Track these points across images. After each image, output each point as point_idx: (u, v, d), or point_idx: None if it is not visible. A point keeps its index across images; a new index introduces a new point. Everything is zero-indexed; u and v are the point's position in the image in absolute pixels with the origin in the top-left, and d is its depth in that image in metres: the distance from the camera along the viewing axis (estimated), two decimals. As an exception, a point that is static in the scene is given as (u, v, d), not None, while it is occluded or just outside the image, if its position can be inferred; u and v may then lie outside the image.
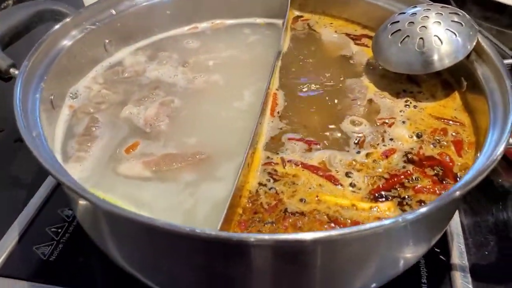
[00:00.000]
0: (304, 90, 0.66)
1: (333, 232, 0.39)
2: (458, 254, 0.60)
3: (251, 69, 0.72)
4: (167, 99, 0.66)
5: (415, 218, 0.40)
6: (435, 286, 0.57)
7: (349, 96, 0.64)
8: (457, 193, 0.42)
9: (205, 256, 0.43)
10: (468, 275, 0.58)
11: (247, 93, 0.67)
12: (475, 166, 0.46)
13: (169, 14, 0.77)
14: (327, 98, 0.64)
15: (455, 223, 0.63)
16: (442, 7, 0.64)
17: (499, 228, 0.64)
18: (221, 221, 0.43)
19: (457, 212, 0.65)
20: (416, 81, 0.66)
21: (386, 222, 0.40)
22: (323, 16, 0.81)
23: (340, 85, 0.66)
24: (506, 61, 0.59)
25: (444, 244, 0.61)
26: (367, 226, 0.39)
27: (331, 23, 0.79)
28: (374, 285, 0.50)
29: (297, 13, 0.82)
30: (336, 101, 0.64)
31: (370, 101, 0.63)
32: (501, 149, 0.45)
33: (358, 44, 0.74)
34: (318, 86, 0.66)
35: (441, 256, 0.59)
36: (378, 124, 0.59)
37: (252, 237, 0.38)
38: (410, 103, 0.63)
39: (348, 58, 0.72)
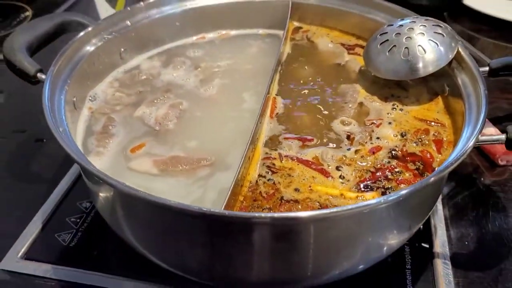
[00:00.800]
0: (301, 94, 0.72)
1: (324, 211, 0.45)
2: (441, 244, 0.66)
3: (254, 76, 0.78)
4: (176, 101, 0.73)
5: (396, 200, 0.47)
6: (418, 272, 0.62)
7: (342, 100, 0.70)
8: (432, 179, 0.48)
9: (212, 235, 0.49)
10: (449, 262, 0.63)
11: (249, 97, 0.74)
12: (449, 159, 0.52)
13: (179, 25, 0.84)
14: (321, 101, 0.71)
15: (439, 217, 0.69)
16: (426, 19, 0.71)
17: (479, 221, 0.70)
18: (224, 204, 0.49)
19: (441, 207, 0.71)
20: (403, 87, 0.72)
21: (371, 202, 0.46)
22: (320, 27, 0.88)
23: (334, 90, 0.73)
24: (482, 69, 0.65)
25: (428, 235, 0.67)
26: (354, 205, 0.45)
27: (327, 34, 0.86)
28: (361, 266, 0.56)
29: (296, 24, 0.89)
30: (329, 104, 0.70)
31: (361, 104, 0.70)
32: (470, 143, 0.51)
33: (351, 53, 0.81)
34: (313, 90, 0.73)
35: (424, 245, 0.65)
36: (367, 124, 0.66)
37: (252, 215, 0.44)
38: (397, 106, 0.69)
39: (342, 66, 0.79)
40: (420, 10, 1.29)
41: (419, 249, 0.65)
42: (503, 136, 0.55)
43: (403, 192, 0.47)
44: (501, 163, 0.77)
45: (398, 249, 0.61)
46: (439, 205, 0.71)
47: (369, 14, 0.82)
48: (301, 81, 0.75)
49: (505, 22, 1.19)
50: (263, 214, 0.45)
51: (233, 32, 0.89)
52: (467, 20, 1.25)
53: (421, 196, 0.53)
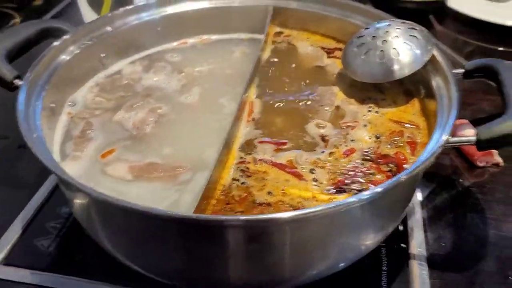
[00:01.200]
0: (279, 98, 0.73)
1: (285, 214, 0.46)
2: (417, 245, 0.66)
3: (235, 80, 0.78)
4: (155, 106, 0.73)
5: (370, 198, 0.47)
6: (394, 273, 0.63)
7: (319, 103, 0.71)
8: (403, 177, 0.49)
9: (181, 239, 0.50)
10: (425, 264, 0.64)
11: (229, 102, 0.74)
12: (419, 160, 0.52)
13: (160, 30, 0.85)
14: (299, 105, 0.71)
15: (416, 218, 0.70)
16: (402, 22, 0.72)
17: (457, 222, 0.70)
18: (194, 208, 0.50)
19: (419, 208, 0.72)
20: (380, 90, 0.73)
21: (343, 202, 0.47)
22: (302, 31, 0.88)
23: (312, 93, 0.73)
24: (457, 70, 0.66)
25: (405, 237, 0.67)
26: (324, 206, 0.46)
27: (308, 38, 0.86)
28: (337, 267, 0.57)
29: (278, 29, 0.89)
30: (306, 107, 0.70)
31: (338, 107, 0.70)
32: (438, 145, 0.52)
33: (331, 57, 0.81)
34: (292, 94, 0.73)
35: (401, 246, 0.66)
36: (342, 127, 0.66)
37: (219, 217, 0.45)
38: (373, 108, 0.69)
39: (322, 69, 0.79)
40: (406, 13, 1.30)
41: (395, 250, 0.65)
42: (473, 137, 0.55)
43: (378, 189, 0.47)
44: (479, 164, 0.78)
45: (375, 250, 0.61)
46: (417, 206, 0.72)
47: (348, 17, 0.82)
48: (280, 85, 0.75)
49: (489, 24, 1.20)
50: (229, 217, 0.46)
51: (215, 37, 0.89)
52: (452, 22, 1.26)
53: (393, 196, 0.54)
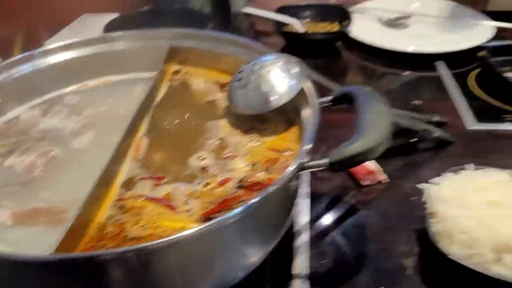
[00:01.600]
0: (167, 134, 0.76)
1: (142, 245, 0.49)
2: (301, 264, 0.70)
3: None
4: (48, 148, 0.75)
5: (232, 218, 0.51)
6: (277, 293, 0.66)
7: (205, 136, 0.75)
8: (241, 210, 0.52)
9: (46, 280, 0.51)
10: (308, 281, 0.68)
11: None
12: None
13: (57, 76, 0.87)
14: (185, 140, 0.75)
15: (302, 238, 0.74)
16: (279, 55, 0.77)
17: (339, 239, 0.75)
18: (54, 248, 0.52)
19: (307, 229, 0.76)
20: (263, 120, 0.77)
21: (210, 223, 0.50)
22: (199, 68, 0.93)
23: (200, 127, 0.77)
24: (324, 99, 0.72)
25: (289, 257, 0.71)
26: (187, 232, 0.49)
27: (204, 74, 0.91)
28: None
29: (177, 67, 0.94)
30: (192, 141, 0.74)
31: (222, 139, 0.74)
32: (292, 169, 0.56)
33: (224, 91, 0.86)
34: (180, 130, 0.77)
35: (285, 267, 0.69)
36: (223, 158, 0.70)
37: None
38: (255, 138, 0.74)
39: (213, 103, 0.84)
40: (313, 44, 1.38)
41: (279, 271, 0.69)
42: (327, 160, 0.60)
43: (239, 209, 0.51)
44: (364, 183, 0.83)
45: (260, 272, 0.64)
46: (304, 227, 0.76)
47: (241, 54, 0.88)
48: (170, 122, 0.79)
49: (388, 51, 1.29)
50: (71, 255, 0.48)
51: (116, 78, 0.93)
52: (358, 49, 1.35)
53: (252, 220, 0.57)
